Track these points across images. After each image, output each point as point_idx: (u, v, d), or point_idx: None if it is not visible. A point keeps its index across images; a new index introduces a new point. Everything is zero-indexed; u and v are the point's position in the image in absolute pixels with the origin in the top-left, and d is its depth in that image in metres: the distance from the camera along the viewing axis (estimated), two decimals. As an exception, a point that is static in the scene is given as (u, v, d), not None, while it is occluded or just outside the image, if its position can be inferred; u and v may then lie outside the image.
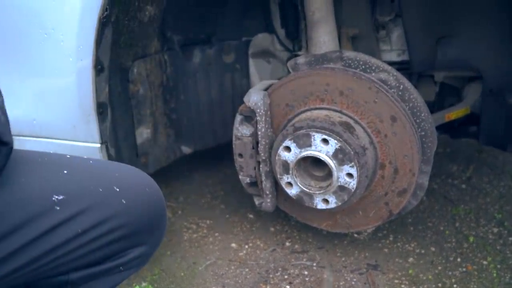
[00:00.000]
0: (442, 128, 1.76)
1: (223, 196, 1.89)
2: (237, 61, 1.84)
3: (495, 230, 1.58)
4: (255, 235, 1.62)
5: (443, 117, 1.67)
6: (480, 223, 1.63)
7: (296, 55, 1.62)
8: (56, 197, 0.70)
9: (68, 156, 0.80)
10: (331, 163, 1.19)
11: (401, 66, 1.67)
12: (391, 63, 1.63)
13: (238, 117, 1.35)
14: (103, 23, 1.14)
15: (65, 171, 0.74)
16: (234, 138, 1.37)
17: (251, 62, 1.87)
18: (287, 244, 1.56)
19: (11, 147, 0.66)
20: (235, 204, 1.82)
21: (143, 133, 1.53)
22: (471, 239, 1.54)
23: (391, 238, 1.56)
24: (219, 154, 2.03)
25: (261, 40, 1.84)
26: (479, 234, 1.57)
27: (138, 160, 1.50)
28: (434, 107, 1.76)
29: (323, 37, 1.39)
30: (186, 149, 1.76)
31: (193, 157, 1.98)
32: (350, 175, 1.19)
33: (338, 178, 1.21)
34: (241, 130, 1.34)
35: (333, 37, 1.40)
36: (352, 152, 1.17)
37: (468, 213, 1.69)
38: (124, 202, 0.75)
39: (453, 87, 1.75)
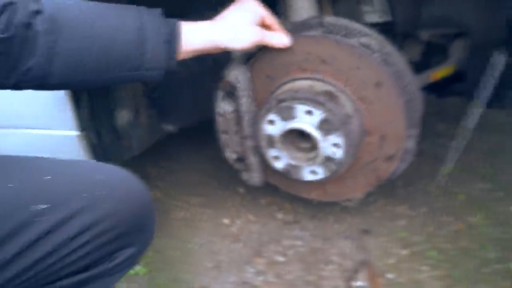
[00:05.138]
0: (429, 88, 1.73)
1: (213, 172, 1.87)
2: (216, 32, 1.78)
3: (484, 186, 1.60)
4: (247, 209, 1.61)
5: (430, 76, 1.64)
6: (470, 180, 1.64)
7: (276, 23, 1.56)
8: (40, 206, 0.67)
9: (50, 159, 0.77)
10: (316, 134, 1.17)
11: (384, 27, 1.62)
12: (374, 25, 1.59)
13: (219, 93, 1.31)
14: None
15: (47, 177, 0.71)
16: (216, 115, 1.33)
17: (231, 32, 1.80)
18: (279, 216, 1.56)
19: None
20: (226, 180, 1.80)
21: (124, 116, 1.48)
22: (461, 197, 1.55)
23: (382, 202, 1.57)
24: (207, 130, 1.99)
25: (239, 8, 1.77)
26: (469, 192, 1.58)
27: (121, 143, 1.47)
28: (420, 66, 1.73)
29: (302, 2, 1.33)
30: (171, 128, 1.73)
31: (180, 135, 1.95)
32: (336, 145, 1.18)
33: (324, 148, 1.19)
34: (223, 107, 1.30)
35: (312, 2, 1.35)
36: (337, 122, 1.15)
37: (457, 171, 1.69)
38: (110, 205, 0.73)
39: (439, 45, 1.71)
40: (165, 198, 1.74)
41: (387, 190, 1.62)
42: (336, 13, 1.55)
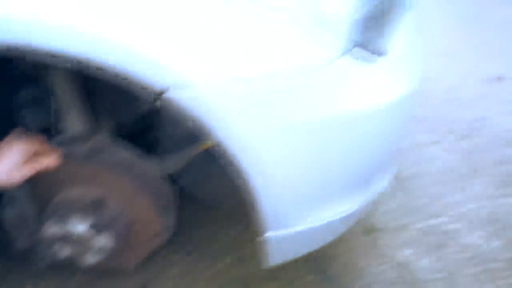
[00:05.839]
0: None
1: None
2: None
3: (236, 230, 2.15)
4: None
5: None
6: (227, 224, 2.17)
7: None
8: None
9: None
10: (89, 235, 1.51)
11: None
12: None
13: (3, 198, 1.53)
14: None
15: None
16: (2, 215, 1.55)
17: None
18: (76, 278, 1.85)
19: None
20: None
21: None
22: (218, 241, 2.07)
23: (164, 252, 1.98)
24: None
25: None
26: (223, 237, 2.09)
27: None
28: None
29: (73, 118, 1.58)
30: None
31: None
32: (106, 239, 1.53)
33: (97, 243, 1.54)
34: (7, 211, 1.53)
35: (83, 116, 1.61)
36: (105, 224, 1.51)
37: (220, 218, 2.20)
38: None
39: None
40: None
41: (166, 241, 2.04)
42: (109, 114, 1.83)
